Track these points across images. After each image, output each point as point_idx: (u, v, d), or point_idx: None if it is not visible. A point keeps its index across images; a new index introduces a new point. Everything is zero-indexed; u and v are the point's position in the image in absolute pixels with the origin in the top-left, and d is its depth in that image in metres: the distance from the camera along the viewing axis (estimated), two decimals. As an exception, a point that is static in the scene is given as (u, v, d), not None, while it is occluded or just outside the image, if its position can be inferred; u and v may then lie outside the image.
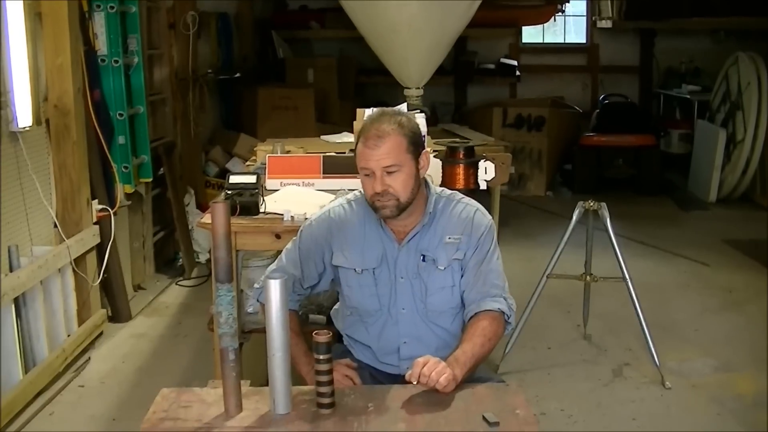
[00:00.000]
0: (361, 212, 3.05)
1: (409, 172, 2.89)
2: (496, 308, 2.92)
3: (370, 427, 2.26)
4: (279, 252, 4.43)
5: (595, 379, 4.98)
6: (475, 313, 2.93)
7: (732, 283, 6.71)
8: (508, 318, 2.97)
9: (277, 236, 3.85)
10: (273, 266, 3.18)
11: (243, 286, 4.27)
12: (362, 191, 3.04)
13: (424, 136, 3.61)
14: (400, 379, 3.00)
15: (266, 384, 2.36)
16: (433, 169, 3.32)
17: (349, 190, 3.99)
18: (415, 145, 2.91)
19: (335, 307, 3.35)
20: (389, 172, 2.85)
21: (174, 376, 4.99)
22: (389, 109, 3.06)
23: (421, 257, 2.99)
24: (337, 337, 3.20)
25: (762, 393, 4.74)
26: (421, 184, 2.98)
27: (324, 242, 3.06)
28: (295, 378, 2.38)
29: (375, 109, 3.06)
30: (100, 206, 5.50)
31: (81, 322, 5.26)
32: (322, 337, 2.33)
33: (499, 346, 4.89)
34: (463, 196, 3.13)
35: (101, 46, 5.67)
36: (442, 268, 2.99)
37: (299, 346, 2.99)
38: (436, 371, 2.50)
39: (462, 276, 3.01)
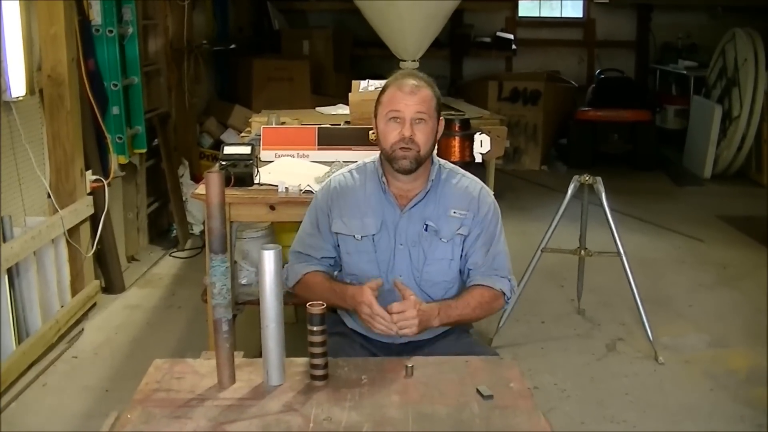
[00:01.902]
0: (363, 179, 3.10)
1: (432, 127, 2.99)
2: (498, 288, 3.03)
3: (363, 399, 2.26)
4: (272, 223, 4.46)
5: (588, 353, 4.99)
6: (480, 284, 3.02)
7: (726, 259, 6.72)
8: (508, 299, 3.08)
9: (272, 207, 3.84)
10: (291, 246, 3.20)
11: (237, 258, 4.26)
12: (366, 162, 3.14)
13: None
14: (393, 348, 3.01)
15: (260, 355, 2.36)
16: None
17: (344, 162, 3.98)
18: (439, 107, 3.03)
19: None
20: (418, 120, 2.93)
21: (167, 347, 4.99)
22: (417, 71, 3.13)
23: (424, 226, 3.01)
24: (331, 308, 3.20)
25: (755, 368, 4.76)
26: (434, 148, 3.06)
27: (327, 210, 3.10)
28: (289, 349, 2.37)
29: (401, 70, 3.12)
30: (94, 177, 5.47)
31: (74, 293, 5.25)
32: (316, 308, 2.32)
33: (493, 319, 4.93)
34: (465, 171, 3.18)
35: (95, 15, 5.61)
36: (445, 240, 3.02)
37: (336, 284, 3.02)
38: (400, 324, 2.74)
39: (463, 253, 3.06)
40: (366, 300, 2.78)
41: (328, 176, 3.50)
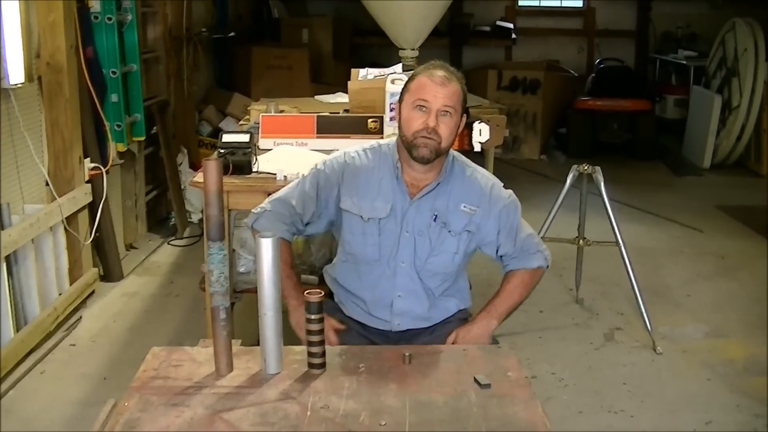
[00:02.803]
0: (377, 161, 3.07)
1: (456, 122, 2.96)
2: (535, 266, 3.14)
3: (361, 387, 2.26)
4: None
5: (586, 342, 4.99)
6: (515, 269, 3.15)
7: (725, 249, 6.72)
8: (546, 267, 3.20)
9: (270, 196, 3.83)
10: (276, 195, 3.17)
11: (235, 246, 4.26)
12: (380, 143, 3.12)
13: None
14: (390, 336, 3.02)
15: (257, 343, 2.36)
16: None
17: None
18: (465, 102, 3.01)
19: (327, 266, 3.34)
20: (444, 113, 2.91)
21: (165, 335, 4.99)
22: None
23: (433, 216, 3.01)
24: (328, 295, 3.20)
25: (752, 358, 4.76)
26: (454, 142, 3.04)
27: (335, 183, 3.07)
28: (287, 338, 2.37)
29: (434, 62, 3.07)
30: (93, 165, 5.46)
31: (73, 280, 5.25)
32: (314, 296, 2.31)
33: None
34: (477, 165, 3.17)
35: (94, 2, 5.60)
36: (454, 234, 3.03)
37: (290, 279, 3.04)
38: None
39: (467, 248, 3.09)
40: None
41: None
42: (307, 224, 3.13)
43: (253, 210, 3.18)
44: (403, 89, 3.02)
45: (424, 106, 2.90)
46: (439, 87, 2.89)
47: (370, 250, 3.04)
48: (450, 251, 3.05)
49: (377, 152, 3.09)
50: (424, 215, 3.01)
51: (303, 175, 3.17)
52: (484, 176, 3.13)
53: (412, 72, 3.10)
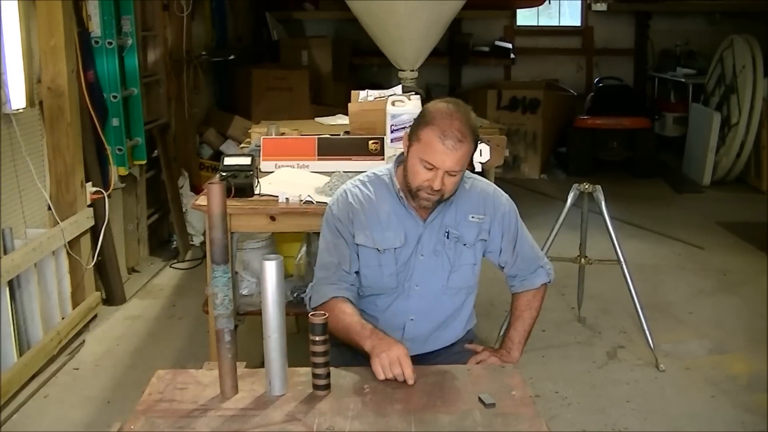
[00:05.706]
0: (379, 193, 3.03)
1: (462, 174, 2.93)
2: (537, 285, 3.22)
3: (366, 408, 2.27)
4: (273, 234, 4.46)
5: (589, 361, 4.99)
6: (521, 291, 3.23)
7: (726, 266, 6.72)
8: (550, 282, 3.27)
9: (272, 218, 3.84)
10: (316, 266, 3.06)
11: (237, 268, 4.27)
12: (377, 173, 3.08)
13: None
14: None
15: (262, 366, 2.36)
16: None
17: (344, 172, 3.99)
18: (474, 146, 2.89)
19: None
20: (451, 175, 2.84)
21: (169, 358, 4.99)
22: (460, 102, 2.92)
23: (445, 233, 3.02)
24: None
25: (756, 374, 4.76)
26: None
27: (348, 221, 3.00)
28: (291, 359, 2.37)
29: (442, 100, 2.95)
30: (94, 188, 5.47)
31: (75, 304, 5.25)
32: (318, 318, 2.32)
33: (494, 327, 4.93)
34: (473, 174, 3.16)
35: (95, 27, 5.62)
36: (469, 246, 3.05)
37: (365, 328, 2.75)
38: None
39: (485, 253, 3.13)
40: (405, 365, 2.50)
41: (330, 186, 3.48)
42: (355, 271, 3.03)
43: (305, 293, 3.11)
44: (414, 127, 2.89)
45: (429, 168, 2.82)
46: (451, 153, 2.78)
47: (387, 280, 3.02)
48: (469, 263, 3.07)
49: (376, 183, 3.06)
50: (437, 234, 3.01)
51: (322, 231, 3.08)
52: (483, 183, 3.15)
53: (426, 107, 2.94)
